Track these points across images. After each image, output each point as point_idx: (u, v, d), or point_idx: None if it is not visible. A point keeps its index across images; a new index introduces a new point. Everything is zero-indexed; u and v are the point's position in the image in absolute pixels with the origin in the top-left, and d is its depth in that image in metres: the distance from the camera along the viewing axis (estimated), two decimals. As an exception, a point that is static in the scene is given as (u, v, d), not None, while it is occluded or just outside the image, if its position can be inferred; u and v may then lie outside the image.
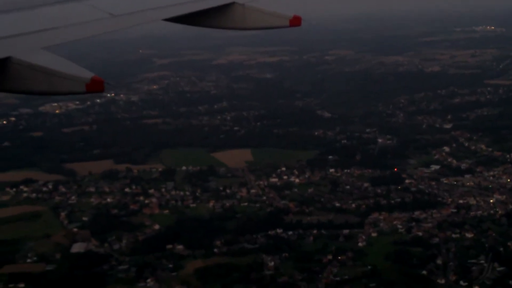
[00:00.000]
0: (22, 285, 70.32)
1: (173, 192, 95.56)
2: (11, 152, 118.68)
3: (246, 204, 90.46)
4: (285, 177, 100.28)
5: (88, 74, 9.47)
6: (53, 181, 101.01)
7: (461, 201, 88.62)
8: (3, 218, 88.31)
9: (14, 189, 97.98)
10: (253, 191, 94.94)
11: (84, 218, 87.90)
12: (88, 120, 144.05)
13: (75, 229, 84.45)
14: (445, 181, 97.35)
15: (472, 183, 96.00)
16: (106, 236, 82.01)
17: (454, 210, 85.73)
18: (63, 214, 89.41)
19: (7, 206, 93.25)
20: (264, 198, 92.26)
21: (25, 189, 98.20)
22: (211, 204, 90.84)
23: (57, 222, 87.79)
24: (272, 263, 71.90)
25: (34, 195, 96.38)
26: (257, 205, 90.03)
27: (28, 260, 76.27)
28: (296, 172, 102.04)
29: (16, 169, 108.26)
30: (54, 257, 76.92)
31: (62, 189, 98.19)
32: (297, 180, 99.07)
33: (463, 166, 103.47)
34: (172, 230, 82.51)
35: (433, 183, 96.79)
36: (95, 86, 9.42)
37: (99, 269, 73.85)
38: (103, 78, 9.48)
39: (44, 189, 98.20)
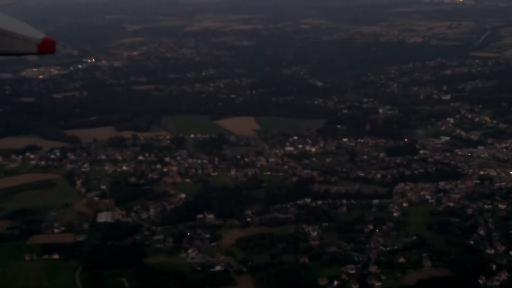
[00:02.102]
0: (56, 256, 67.37)
1: (189, 160, 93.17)
2: (4, 118, 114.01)
3: (268, 173, 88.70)
4: (299, 146, 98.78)
5: (39, 35, 9.36)
6: (58, 148, 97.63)
7: (482, 173, 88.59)
8: (17, 186, 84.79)
9: (20, 156, 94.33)
10: (271, 159, 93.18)
11: (102, 187, 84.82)
12: (75, 86, 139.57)
13: (96, 198, 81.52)
14: (459, 152, 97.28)
15: (487, 155, 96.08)
16: (130, 205, 79.41)
17: (478, 181, 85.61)
18: (78, 182, 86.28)
19: (18, 173, 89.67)
20: (286, 167, 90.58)
21: (32, 156, 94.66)
22: (232, 172, 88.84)
23: (73, 190, 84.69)
24: (315, 233, 70.42)
25: (43, 162, 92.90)
26: (280, 174, 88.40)
27: (56, 230, 73.21)
28: (309, 141, 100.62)
29: (15, 136, 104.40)
30: (81, 227, 74.05)
31: (71, 156, 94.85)
32: (313, 149, 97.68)
33: (473, 137, 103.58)
34: (200, 199, 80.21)
35: (448, 154, 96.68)
36: (46, 47, 9.36)
37: (132, 239, 71.25)
38: (54, 38, 9.40)
39: (52, 156, 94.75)
